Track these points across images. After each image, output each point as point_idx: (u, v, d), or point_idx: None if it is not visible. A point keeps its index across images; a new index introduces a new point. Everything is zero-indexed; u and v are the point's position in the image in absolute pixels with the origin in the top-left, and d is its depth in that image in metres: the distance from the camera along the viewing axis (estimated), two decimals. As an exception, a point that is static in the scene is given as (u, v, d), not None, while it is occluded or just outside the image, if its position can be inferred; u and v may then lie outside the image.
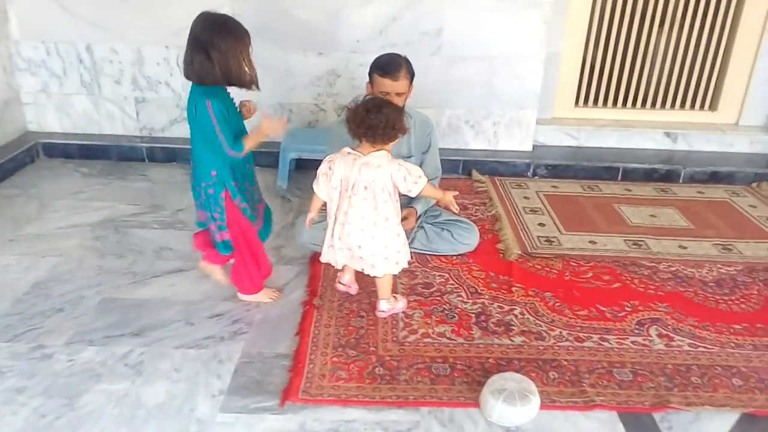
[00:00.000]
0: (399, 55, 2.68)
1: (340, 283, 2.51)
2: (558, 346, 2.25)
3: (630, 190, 3.68)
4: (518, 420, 1.88)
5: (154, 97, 3.87)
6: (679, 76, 4.05)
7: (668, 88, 4.08)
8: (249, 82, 2.18)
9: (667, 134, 4.02)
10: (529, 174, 3.84)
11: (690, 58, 4.00)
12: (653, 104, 4.12)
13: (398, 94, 2.64)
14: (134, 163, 3.86)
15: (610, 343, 2.27)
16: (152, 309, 2.39)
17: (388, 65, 2.62)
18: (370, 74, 2.69)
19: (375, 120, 2.10)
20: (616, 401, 1.98)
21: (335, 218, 2.25)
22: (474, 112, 3.85)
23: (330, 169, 2.21)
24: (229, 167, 2.22)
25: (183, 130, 3.95)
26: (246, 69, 2.14)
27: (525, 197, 3.54)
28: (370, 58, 3.70)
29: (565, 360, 2.17)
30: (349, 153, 2.20)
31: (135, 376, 2.04)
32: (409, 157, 2.84)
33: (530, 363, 2.15)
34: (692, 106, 4.12)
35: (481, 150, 3.93)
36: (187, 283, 2.58)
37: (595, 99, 4.13)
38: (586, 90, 4.11)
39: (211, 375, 2.05)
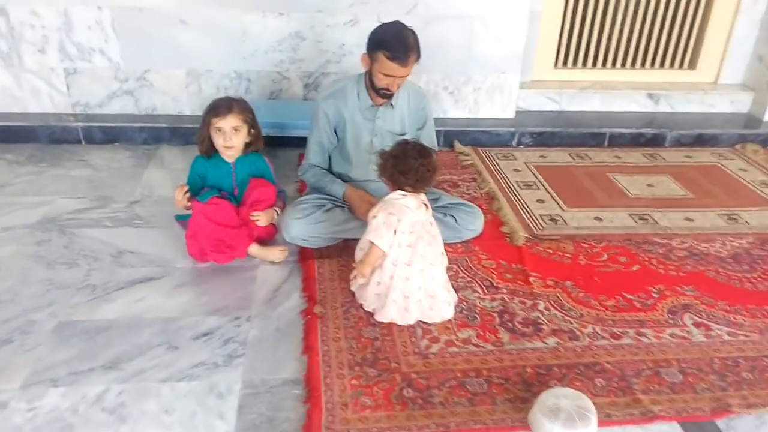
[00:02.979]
0: (407, 31, 2.28)
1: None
2: (595, 346, 2.03)
3: (619, 157, 3.51)
4: (578, 443, 1.65)
5: (87, 68, 3.32)
6: (660, 34, 3.86)
7: (648, 46, 3.89)
8: (199, 150, 2.39)
9: (650, 96, 3.85)
10: (514, 143, 3.59)
11: (671, 14, 3.81)
12: (633, 64, 3.93)
13: (402, 77, 2.31)
14: (69, 146, 3.33)
15: (648, 338, 2.08)
16: (122, 332, 2.00)
17: (398, 48, 2.23)
18: (372, 49, 2.30)
19: (429, 173, 1.99)
20: (674, 410, 1.79)
21: (408, 267, 2.02)
22: (452, 77, 3.53)
23: (391, 214, 1.98)
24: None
25: (124, 106, 3.44)
26: (202, 138, 2.34)
27: (515, 170, 3.29)
28: (339, 18, 3.35)
29: (607, 362, 1.96)
30: (404, 195, 2.00)
31: (117, 423, 1.66)
32: (402, 134, 2.52)
33: (571, 369, 1.93)
34: (671, 64, 3.96)
35: (461, 119, 3.64)
36: (158, 295, 2.19)
37: (574, 59, 3.90)
38: (566, 50, 3.86)
39: (211, 415, 1.70)
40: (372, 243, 2.00)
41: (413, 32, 2.27)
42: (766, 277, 2.45)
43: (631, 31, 3.83)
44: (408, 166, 1.97)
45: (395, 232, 1.98)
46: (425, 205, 2.05)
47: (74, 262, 2.34)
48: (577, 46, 3.85)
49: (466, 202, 2.62)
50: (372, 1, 3.28)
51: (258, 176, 2.44)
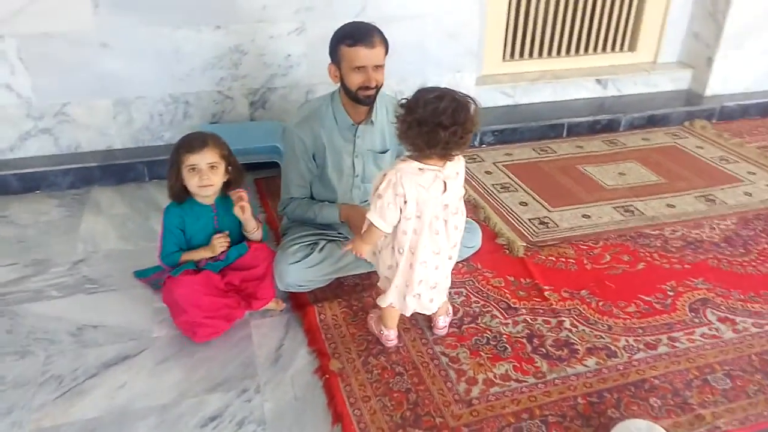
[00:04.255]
0: (364, 22, 2.10)
1: (388, 341, 1.97)
2: (635, 360, 1.92)
3: (581, 147, 3.46)
4: (662, 479, 1.53)
5: (-9, 108, 2.84)
6: (600, 18, 3.83)
7: (590, 31, 3.86)
8: (169, 195, 2.00)
9: (598, 81, 3.84)
10: (476, 143, 3.45)
11: (609, -2, 3.81)
12: (577, 50, 3.89)
13: (377, 67, 2.06)
14: (-19, 200, 2.84)
15: (683, 343, 2.00)
16: (112, 432, 1.66)
17: (358, 31, 2.03)
18: (333, 51, 2.08)
19: (465, 138, 1.56)
20: (738, 420, 1.70)
21: (412, 255, 1.73)
22: (408, 81, 3.33)
23: (398, 195, 1.64)
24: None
25: (41, 146, 2.99)
26: (172, 182, 1.96)
27: (487, 172, 3.15)
28: (282, 27, 3.06)
29: (654, 378, 1.85)
30: (420, 169, 1.63)
31: None
32: (384, 151, 2.30)
33: (623, 392, 1.80)
34: (613, 48, 3.96)
35: (420, 123, 3.45)
36: (142, 376, 1.85)
37: (521, 51, 3.81)
38: (512, 42, 3.76)
39: None
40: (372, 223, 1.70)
41: (372, 24, 2.08)
42: (763, 258, 2.45)
43: (573, 17, 3.78)
44: (437, 138, 1.56)
45: (401, 211, 1.68)
46: (445, 183, 1.67)
47: (26, 349, 1.94)
48: (523, 37, 3.76)
49: (460, 217, 2.44)
50: (318, 5, 3.02)
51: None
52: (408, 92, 3.35)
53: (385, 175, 1.66)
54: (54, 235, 2.58)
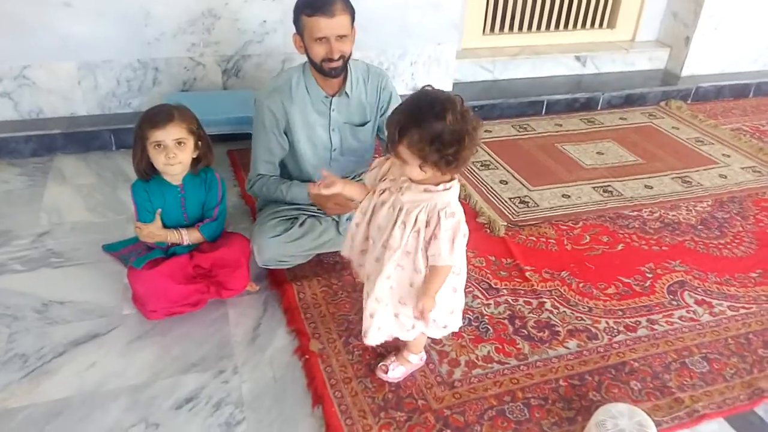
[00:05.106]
0: None
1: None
2: (616, 343, 1.92)
3: (560, 125, 3.44)
4: (644, 463, 1.53)
5: (-55, 68, 2.67)
6: (581, -6, 3.81)
7: (571, 7, 3.82)
8: (135, 172, 1.88)
9: (577, 58, 3.81)
10: (455, 118, 3.40)
11: (591, -27, 3.76)
12: (557, 25, 3.85)
13: (340, 37, 1.93)
14: (-66, 167, 2.69)
15: (662, 325, 2.01)
16: (81, 415, 1.59)
17: (317, 1, 1.90)
18: (296, 21, 1.97)
19: (469, 132, 1.36)
20: (715, 404, 1.72)
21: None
22: (388, 52, 3.24)
23: (465, 228, 1.52)
24: None
25: (1, 111, 2.82)
26: (137, 159, 1.83)
27: (466, 149, 3.11)
28: (256, -9, 2.93)
29: (634, 360, 1.86)
30: (456, 186, 1.51)
31: None
32: (364, 123, 2.22)
33: (603, 375, 1.80)
34: (592, 24, 3.93)
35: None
36: (113, 356, 1.78)
37: (501, 25, 3.75)
38: (493, 15, 3.70)
39: None
40: (441, 266, 1.50)
41: None
42: (738, 240, 2.47)
43: (554, -8, 3.74)
44: (478, 132, 1.40)
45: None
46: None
47: (-12, 326, 1.85)
48: (504, 10, 3.70)
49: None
50: (294, -30, 2.89)
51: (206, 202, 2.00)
52: (387, 63, 3.28)
53: (442, 214, 1.46)
54: (16, 206, 2.46)
